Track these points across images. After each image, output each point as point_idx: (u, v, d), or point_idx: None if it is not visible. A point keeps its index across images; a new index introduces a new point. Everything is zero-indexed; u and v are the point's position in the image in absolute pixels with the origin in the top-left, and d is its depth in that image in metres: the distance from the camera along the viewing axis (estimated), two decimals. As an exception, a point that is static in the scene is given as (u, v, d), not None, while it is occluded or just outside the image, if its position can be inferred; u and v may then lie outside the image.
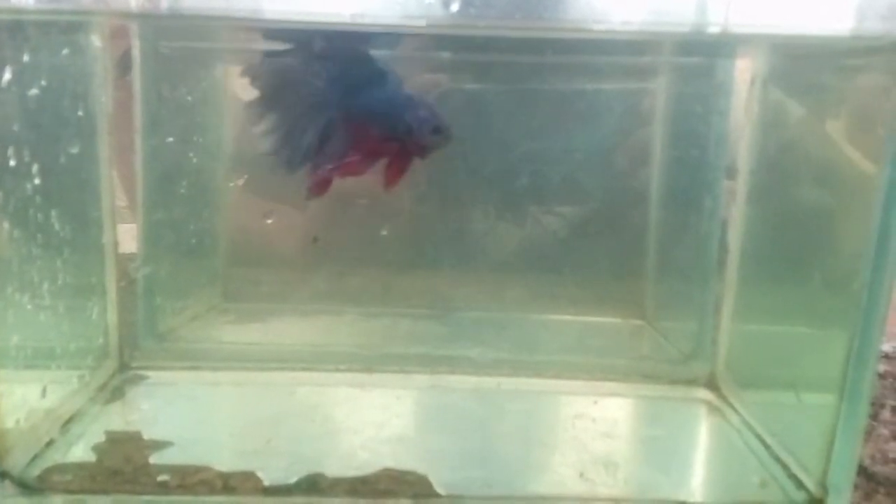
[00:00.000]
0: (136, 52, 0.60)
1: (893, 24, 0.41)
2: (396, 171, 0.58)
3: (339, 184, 0.58)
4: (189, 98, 0.67)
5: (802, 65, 0.54)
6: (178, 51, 0.64)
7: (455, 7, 0.41)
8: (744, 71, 0.61)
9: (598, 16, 0.45)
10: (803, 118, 0.55)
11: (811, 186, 0.55)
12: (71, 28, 0.52)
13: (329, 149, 0.57)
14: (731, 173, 0.63)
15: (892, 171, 0.41)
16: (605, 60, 0.69)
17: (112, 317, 0.59)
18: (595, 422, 0.57)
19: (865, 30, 0.43)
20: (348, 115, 0.56)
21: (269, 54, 0.56)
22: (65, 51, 0.51)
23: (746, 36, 0.51)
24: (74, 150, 0.53)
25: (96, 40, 0.54)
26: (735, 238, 0.62)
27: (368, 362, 0.63)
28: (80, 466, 0.47)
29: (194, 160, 0.68)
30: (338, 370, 0.63)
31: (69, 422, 0.52)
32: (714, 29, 0.48)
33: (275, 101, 0.57)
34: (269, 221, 0.67)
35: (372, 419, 0.55)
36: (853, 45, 0.45)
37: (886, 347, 0.83)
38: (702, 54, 0.64)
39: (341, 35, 0.53)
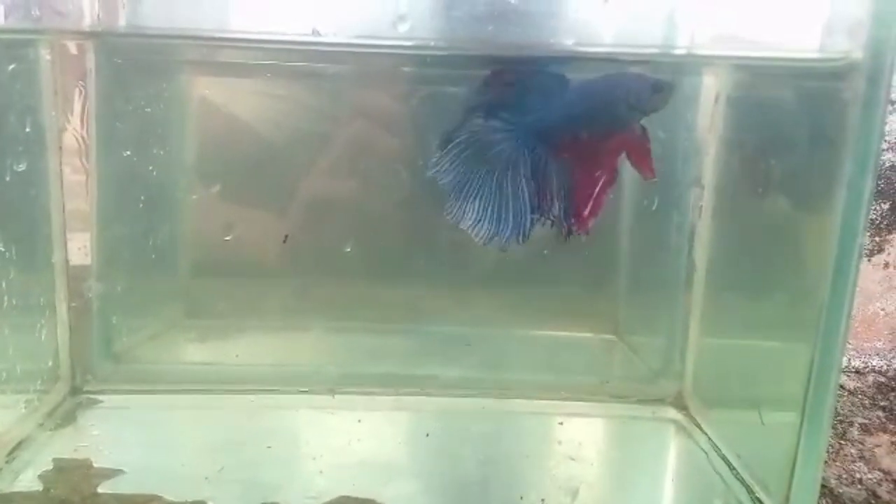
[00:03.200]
0: (91, 64, 0.58)
1: (851, 46, 0.41)
2: (642, 154, 0.51)
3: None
4: (148, 109, 0.65)
5: (765, 82, 0.54)
6: (136, 62, 0.62)
7: (416, 24, 0.41)
8: (710, 87, 0.61)
9: (571, 34, 0.44)
10: (766, 134, 0.55)
11: (774, 202, 0.55)
12: (18, 42, 0.50)
13: (559, 184, 0.51)
14: (697, 187, 0.63)
15: (851, 185, 0.41)
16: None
17: (63, 337, 0.58)
18: (561, 444, 0.56)
19: (824, 51, 0.44)
20: (555, 137, 0.51)
21: (447, 139, 0.51)
22: (11, 65, 0.50)
23: (710, 57, 0.51)
24: (21, 167, 0.51)
25: (45, 54, 0.52)
26: (701, 254, 0.62)
27: (332, 382, 0.62)
28: (25, 496, 0.45)
29: (154, 172, 0.66)
30: (299, 392, 0.62)
31: (16, 449, 0.50)
32: (680, 51, 0.48)
33: (467, 185, 0.51)
34: (228, 238, 0.65)
35: (332, 443, 0.54)
36: (813, 66, 0.45)
37: (857, 363, 0.83)
38: (668, 71, 0.64)
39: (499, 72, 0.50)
